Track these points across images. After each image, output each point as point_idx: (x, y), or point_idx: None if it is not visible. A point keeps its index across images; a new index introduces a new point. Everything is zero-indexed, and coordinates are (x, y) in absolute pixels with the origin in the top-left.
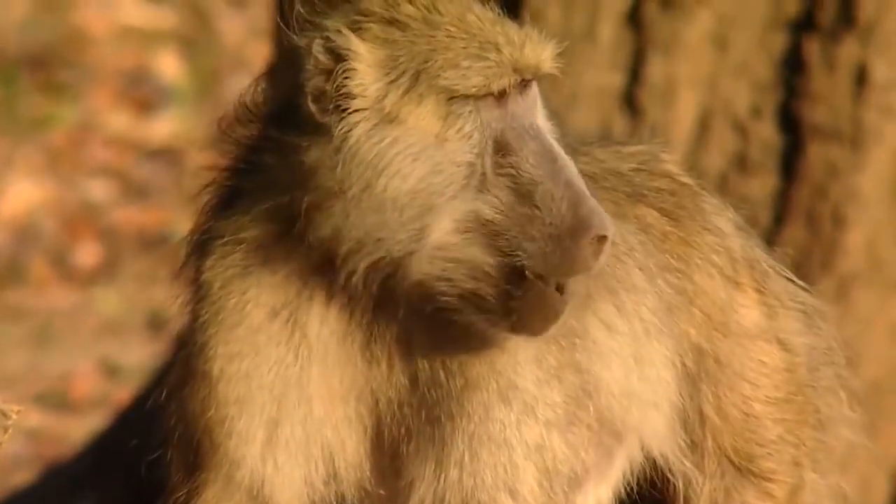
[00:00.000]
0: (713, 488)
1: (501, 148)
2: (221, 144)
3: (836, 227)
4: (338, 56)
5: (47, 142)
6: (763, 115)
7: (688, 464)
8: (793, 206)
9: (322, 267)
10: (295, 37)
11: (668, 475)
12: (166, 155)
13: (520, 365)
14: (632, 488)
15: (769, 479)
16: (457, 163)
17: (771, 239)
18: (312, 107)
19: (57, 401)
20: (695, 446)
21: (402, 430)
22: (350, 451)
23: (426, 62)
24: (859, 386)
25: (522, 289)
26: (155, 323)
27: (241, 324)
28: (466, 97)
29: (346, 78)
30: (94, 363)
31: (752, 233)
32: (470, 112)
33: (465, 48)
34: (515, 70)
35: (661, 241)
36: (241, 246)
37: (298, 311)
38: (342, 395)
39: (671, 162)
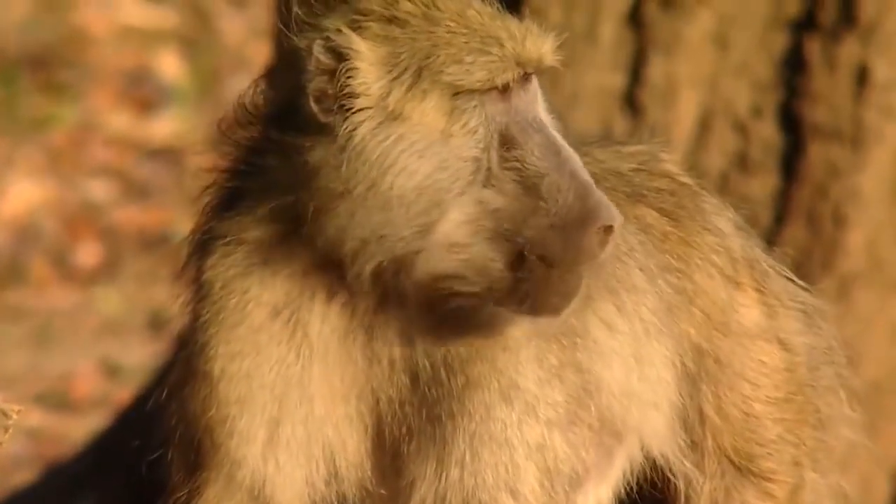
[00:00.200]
0: (713, 488)
1: (506, 142)
2: (221, 146)
3: (837, 226)
4: (339, 55)
5: (48, 142)
6: (764, 115)
7: (688, 464)
8: (793, 206)
9: (324, 266)
10: (294, 38)
11: (669, 475)
12: (167, 155)
13: (521, 364)
14: (632, 488)
15: (769, 479)
16: (463, 158)
17: (771, 239)
18: (315, 107)
19: (57, 401)
20: (695, 446)
21: (404, 429)
22: (351, 450)
23: (428, 58)
24: (859, 385)
25: (528, 271)
26: (156, 323)
27: (243, 323)
28: (471, 92)
29: (348, 77)
30: (94, 363)
31: (752, 233)
32: (475, 107)
33: (467, 43)
34: (518, 63)
35: (661, 242)
36: (243, 246)
37: (300, 310)
38: (343, 393)
39: (671, 162)
